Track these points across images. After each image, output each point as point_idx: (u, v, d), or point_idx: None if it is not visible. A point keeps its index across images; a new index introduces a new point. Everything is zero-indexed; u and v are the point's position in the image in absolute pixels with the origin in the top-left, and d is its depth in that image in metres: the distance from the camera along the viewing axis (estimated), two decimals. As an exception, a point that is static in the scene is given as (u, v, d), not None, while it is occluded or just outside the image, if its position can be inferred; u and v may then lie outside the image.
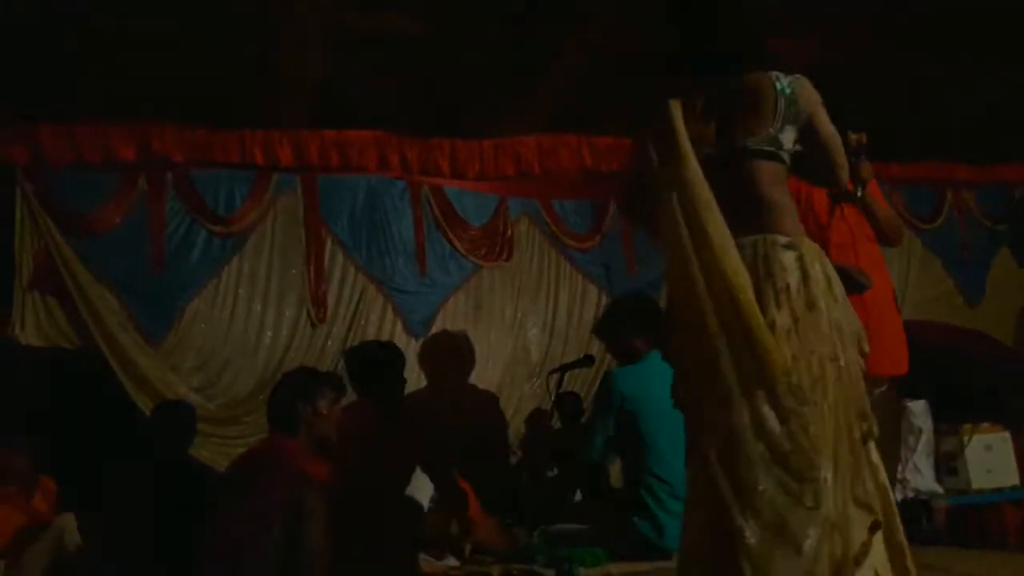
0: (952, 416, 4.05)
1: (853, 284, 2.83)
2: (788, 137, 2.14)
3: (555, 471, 4.44)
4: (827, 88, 2.22)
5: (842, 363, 1.91)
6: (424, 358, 4.79)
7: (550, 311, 5.20)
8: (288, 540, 2.48)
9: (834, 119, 2.26)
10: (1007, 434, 3.97)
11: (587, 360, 4.33)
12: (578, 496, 3.98)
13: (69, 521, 3.17)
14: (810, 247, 2.02)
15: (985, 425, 4.03)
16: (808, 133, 2.19)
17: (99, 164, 4.31)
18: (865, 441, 1.92)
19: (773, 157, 2.12)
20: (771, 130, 2.11)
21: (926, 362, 3.58)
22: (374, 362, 3.49)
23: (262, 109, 4.43)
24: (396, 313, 4.83)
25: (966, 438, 4.01)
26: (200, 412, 4.01)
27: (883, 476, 1.96)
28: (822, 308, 1.93)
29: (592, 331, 4.60)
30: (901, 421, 3.61)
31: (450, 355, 4.84)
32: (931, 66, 4.45)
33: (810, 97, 2.18)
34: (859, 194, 3.16)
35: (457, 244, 4.97)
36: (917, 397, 3.87)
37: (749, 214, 2.03)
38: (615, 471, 4.04)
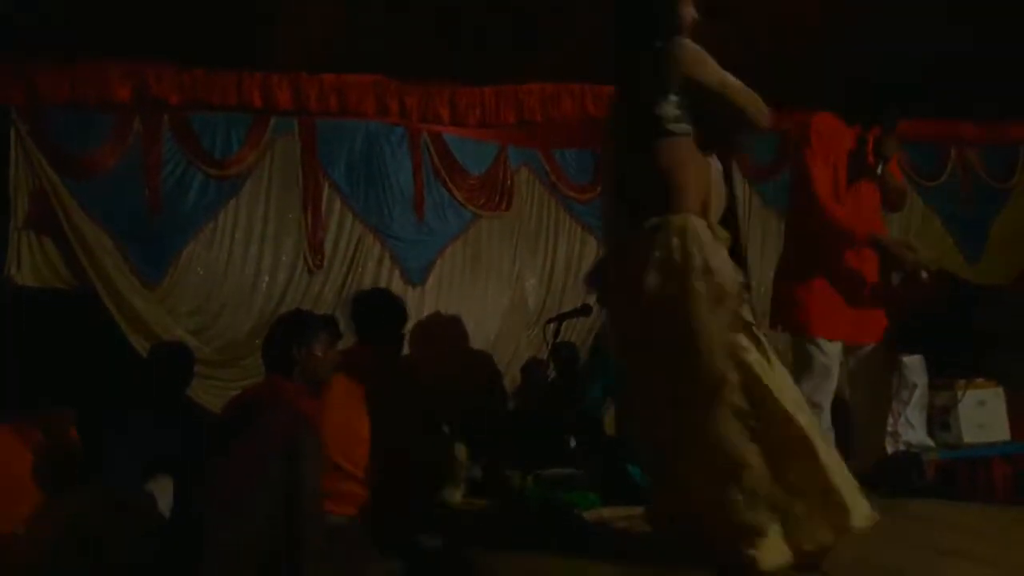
0: (947, 371, 4.06)
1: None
2: (669, 108, 2.30)
3: (550, 418, 4.47)
4: (835, 45, 2.24)
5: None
6: (420, 309, 4.79)
7: (548, 262, 5.19)
8: (286, 480, 2.49)
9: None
10: (1000, 389, 3.99)
11: (584, 310, 4.32)
12: (572, 443, 4.01)
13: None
14: (679, 223, 2.29)
15: (979, 380, 4.05)
16: (695, 93, 2.30)
17: (95, 105, 4.27)
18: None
19: (661, 134, 2.31)
20: (654, 109, 2.31)
21: (922, 317, 3.59)
22: (376, 308, 3.48)
23: (260, 51, 4.36)
24: (393, 261, 4.83)
25: (960, 393, 4.04)
26: (197, 355, 4.00)
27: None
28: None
29: (584, 280, 4.60)
30: (894, 375, 3.61)
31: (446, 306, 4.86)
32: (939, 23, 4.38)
33: (682, 57, 2.30)
34: (879, 171, 3.20)
35: (456, 193, 4.94)
36: (913, 352, 3.87)
37: (647, 197, 2.35)
38: (609, 418, 4.07)
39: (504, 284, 5.08)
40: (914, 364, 3.69)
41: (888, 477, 3.39)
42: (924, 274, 3.17)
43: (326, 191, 4.69)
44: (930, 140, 5.81)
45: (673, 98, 2.32)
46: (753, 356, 2.24)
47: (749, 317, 2.32)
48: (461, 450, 3.62)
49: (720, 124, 2.43)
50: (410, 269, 4.86)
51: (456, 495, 3.62)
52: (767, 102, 2.46)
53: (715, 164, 2.53)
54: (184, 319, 4.36)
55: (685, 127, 2.35)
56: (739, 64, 2.41)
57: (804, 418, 2.22)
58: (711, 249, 2.31)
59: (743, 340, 2.25)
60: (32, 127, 4.18)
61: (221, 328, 4.43)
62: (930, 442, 3.89)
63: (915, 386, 3.74)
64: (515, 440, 4.11)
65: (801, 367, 3.44)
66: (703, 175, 2.40)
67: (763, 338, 2.30)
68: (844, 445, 3.55)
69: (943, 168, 5.92)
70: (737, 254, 5.37)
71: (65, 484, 2.82)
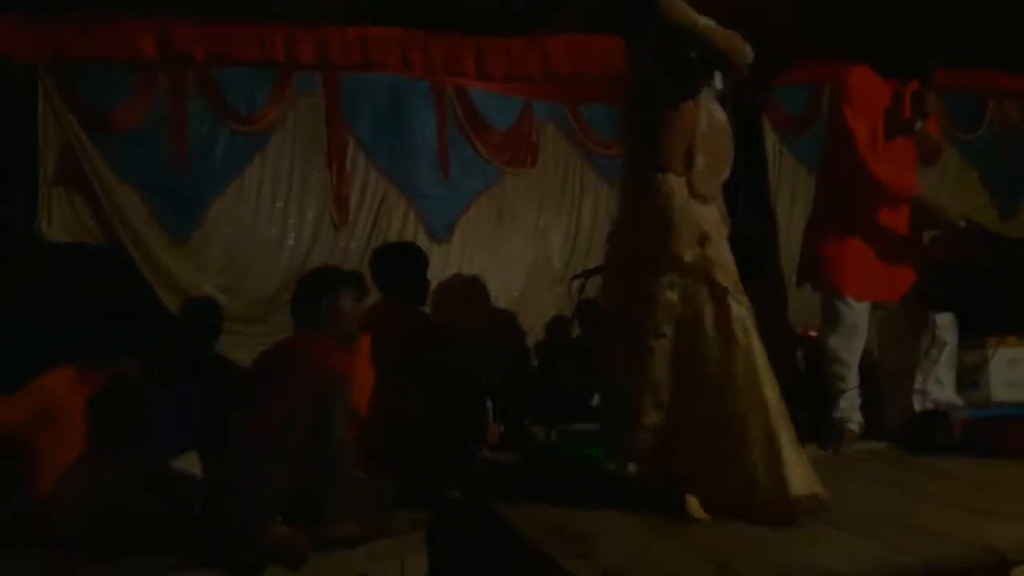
0: (979, 330, 4.01)
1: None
2: (650, 66, 2.42)
3: (574, 375, 4.48)
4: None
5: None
6: (445, 266, 4.79)
7: (574, 219, 5.16)
8: (314, 434, 2.52)
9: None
10: (1033, 347, 3.93)
11: (610, 267, 4.30)
12: (595, 400, 4.02)
13: None
14: (648, 184, 2.42)
15: (1011, 339, 3.99)
16: (673, 39, 2.38)
17: (120, 61, 4.26)
18: None
19: (646, 92, 2.44)
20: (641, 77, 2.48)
21: (955, 275, 3.54)
22: (398, 261, 3.48)
23: (284, 4, 4.33)
24: (418, 218, 4.82)
25: (990, 352, 3.98)
26: (226, 311, 4.05)
27: None
28: None
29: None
30: (925, 333, 3.57)
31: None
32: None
33: (657, 5, 2.37)
34: (917, 126, 3.14)
35: (481, 149, 4.90)
36: (944, 310, 3.82)
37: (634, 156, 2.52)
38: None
39: (529, 241, 5.06)
40: (945, 322, 3.64)
41: (916, 435, 3.37)
42: (962, 224, 3.15)
43: (350, 147, 4.68)
44: (968, 91, 5.66)
45: (649, 59, 2.42)
46: (708, 322, 2.33)
47: (725, 283, 2.37)
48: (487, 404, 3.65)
49: (701, 68, 2.42)
50: (434, 226, 4.85)
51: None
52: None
53: (718, 115, 2.49)
54: (212, 275, 4.40)
55: (668, 83, 2.42)
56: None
57: (767, 390, 2.31)
58: (679, 211, 2.35)
59: (705, 308, 2.34)
60: (58, 83, 4.20)
61: (249, 284, 4.47)
62: (959, 400, 3.85)
63: (945, 344, 3.69)
64: (539, 396, 4.13)
65: (830, 324, 3.42)
66: (685, 131, 2.41)
67: (735, 306, 2.36)
68: (872, 402, 3.55)
69: (980, 120, 5.77)
70: (763, 208, 5.35)
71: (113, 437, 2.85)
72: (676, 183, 2.40)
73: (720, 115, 2.50)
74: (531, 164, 5.03)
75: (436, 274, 4.79)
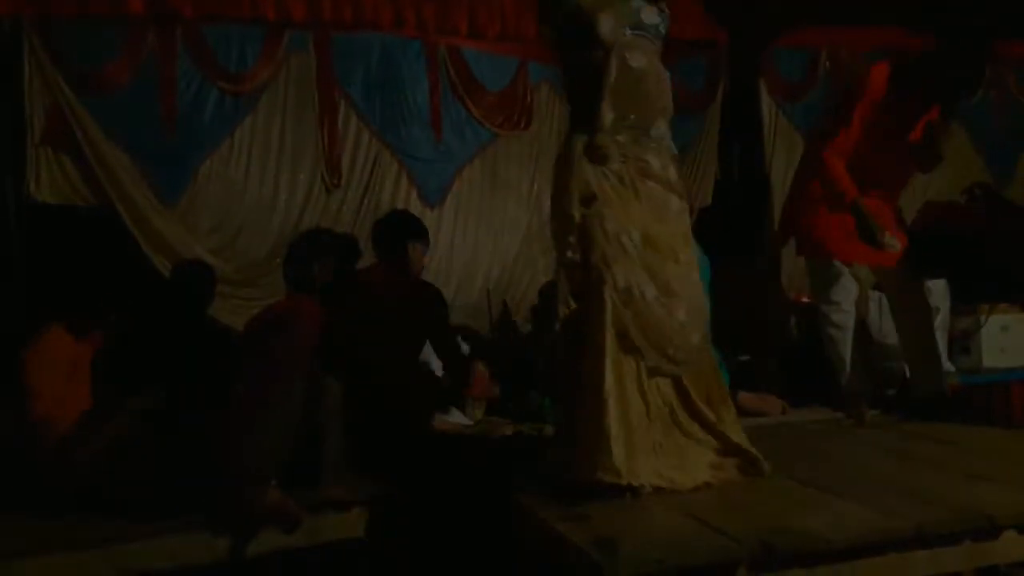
0: (971, 296, 4.03)
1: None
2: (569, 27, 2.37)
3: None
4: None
5: None
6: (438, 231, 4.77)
7: (568, 182, 5.11)
8: (307, 398, 2.52)
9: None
10: (1024, 315, 3.95)
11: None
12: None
13: None
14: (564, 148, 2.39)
15: (1003, 306, 4.01)
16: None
17: (107, 17, 4.18)
18: None
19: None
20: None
21: (947, 242, 3.53)
22: (391, 226, 3.46)
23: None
24: (411, 181, 4.78)
25: (983, 318, 4.00)
26: (218, 274, 4.02)
27: None
28: None
29: None
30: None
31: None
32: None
33: None
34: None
35: (473, 110, 4.85)
36: (936, 277, 3.82)
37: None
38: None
39: (523, 206, 5.03)
40: (937, 288, 3.65)
41: (907, 400, 3.39)
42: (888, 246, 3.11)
43: (342, 108, 4.62)
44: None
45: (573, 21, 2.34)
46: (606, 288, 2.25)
47: (603, 247, 2.27)
48: (482, 369, 3.65)
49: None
50: (427, 190, 4.81)
51: (478, 413, 3.67)
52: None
53: (635, 63, 2.35)
54: (204, 238, 4.37)
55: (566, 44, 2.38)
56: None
57: (612, 357, 2.22)
58: (570, 169, 2.30)
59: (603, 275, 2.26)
60: (45, 42, 4.11)
61: (240, 247, 4.44)
62: (951, 367, 3.88)
63: (937, 310, 3.71)
64: (533, 362, 4.13)
65: (823, 282, 3.43)
66: (590, 87, 2.33)
67: (602, 272, 2.26)
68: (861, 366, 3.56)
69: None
70: (757, 172, 5.32)
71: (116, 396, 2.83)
72: (578, 141, 2.34)
73: (638, 63, 2.34)
74: (525, 126, 4.98)
75: (430, 239, 4.77)
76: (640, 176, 2.36)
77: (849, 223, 3.17)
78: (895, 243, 3.07)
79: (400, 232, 3.40)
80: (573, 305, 2.31)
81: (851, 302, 3.44)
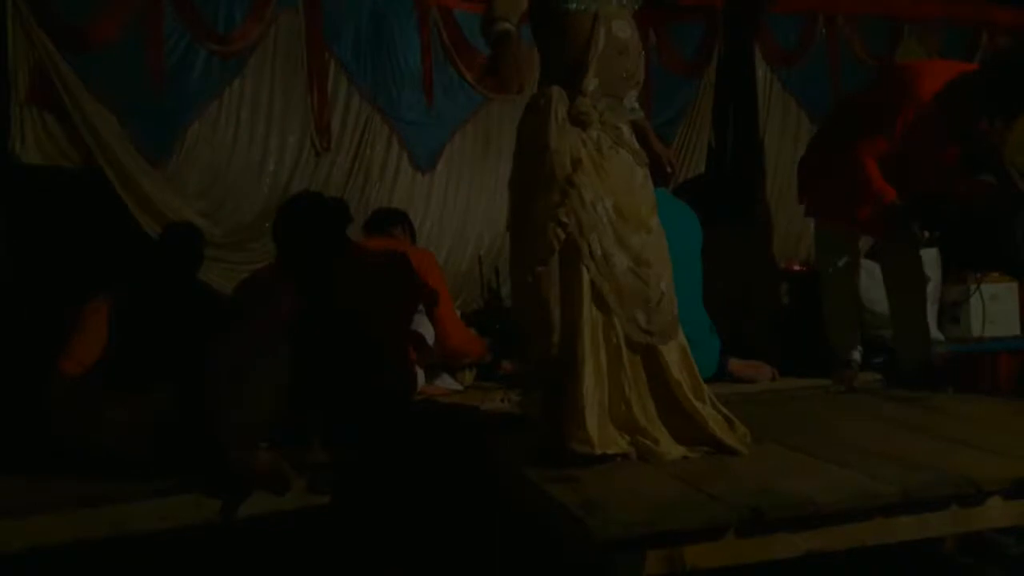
0: (962, 266, 4.04)
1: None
2: None
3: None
4: None
5: None
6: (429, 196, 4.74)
7: (561, 147, 5.07)
8: (293, 361, 2.51)
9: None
10: (1014, 285, 3.97)
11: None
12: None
13: None
14: (535, 99, 2.37)
15: (993, 275, 4.02)
16: None
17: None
18: None
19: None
20: None
21: (940, 211, 3.53)
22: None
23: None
24: (402, 145, 4.72)
25: (972, 287, 4.02)
26: (207, 238, 3.98)
27: None
28: None
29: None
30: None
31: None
32: None
33: None
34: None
35: (466, 74, 4.78)
36: (928, 246, 3.83)
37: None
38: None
39: (515, 171, 4.98)
40: (928, 258, 3.66)
41: (897, 368, 3.42)
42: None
43: (332, 70, 4.53)
44: (961, 24, 5.57)
45: None
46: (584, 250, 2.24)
47: (581, 215, 2.25)
48: (474, 335, 3.65)
49: None
50: (418, 155, 4.76)
51: (468, 377, 3.68)
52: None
53: (620, 34, 2.35)
54: (192, 201, 4.31)
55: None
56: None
57: (588, 326, 2.21)
58: (556, 130, 2.27)
59: (584, 233, 2.24)
60: (29, -1, 4.02)
61: (229, 210, 4.39)
62: (940, 336, 3.90)
63: (928, 279, 3.71)
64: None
65: (831, 248, 3.45)
66: (578, 46, 2.31)
67: (581, 242, 2.24)
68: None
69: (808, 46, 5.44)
70: (752, 139, 5.29)
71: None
72: (559, 99, 2.30)
73: (623, 34, 2.35)
74: (518, 90, 4.91)
75: (421, 205, 4.76)
76: (615, 144, 2.36)
77: (863, 194, 3.17)
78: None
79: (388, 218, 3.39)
80: (546, 264, 2.26)
81: (855, 271, 3.47)
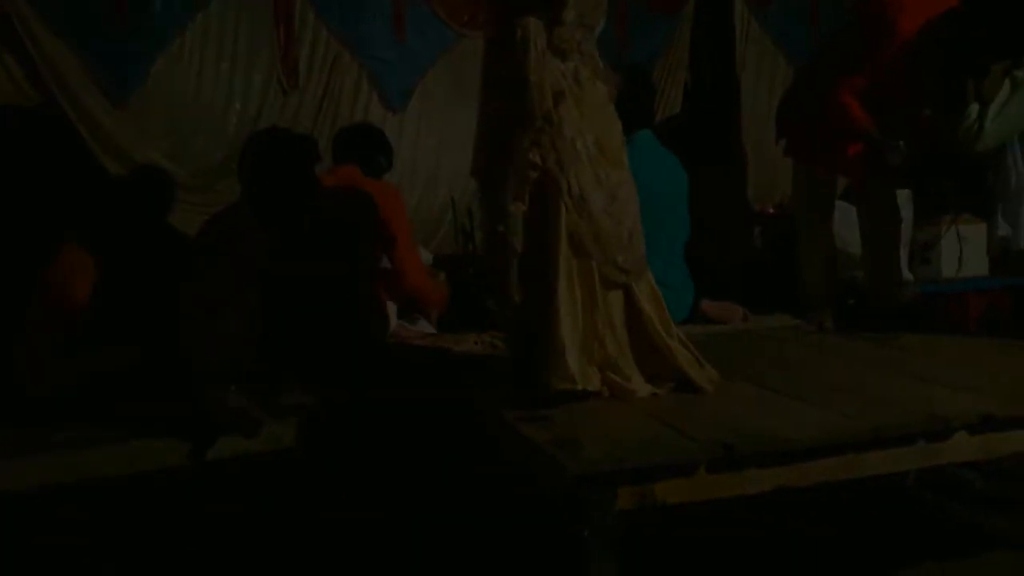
0: (934, 206, 4.06)
1: None
2: None
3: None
4: None
5: None
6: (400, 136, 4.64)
7: (536, 87, 4.99)
8: (262, 303, 2.48)
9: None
10: (984, 226, 3.98)
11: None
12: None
13: None
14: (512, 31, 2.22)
15: (965, 216, 4.04)
16: None
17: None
18: None
19: None
20: None
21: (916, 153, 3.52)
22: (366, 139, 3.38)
23: None
24: (371, 84, 4.62)
25: (943, 228, 4.04)
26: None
27: None
28: None
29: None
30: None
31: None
32: None
33: None
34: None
35: (437, 8, 4.65)
36: (901, 187, 3.84)
37: None
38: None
39: (489, 111, 4.89)
40: (901, 199, 3.66)
41: (869, 309, 3.44)
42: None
43: (299, 5, 4.40)
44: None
45: None
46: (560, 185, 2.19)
47: (563, 151, 2.20)
48: (441, 277, 3.62)
49: None
50: (389, 93, 4.66)
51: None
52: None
53: None
54: (156, 140, 4.20)
55: None
56: None
57: (565, 265, 2.19)
58: (535, 63, 2.18)
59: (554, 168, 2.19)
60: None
61: (195, 151, 4.29)
62: (910, 276, 3.93)
63: (901, 220, 3.72)
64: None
65: (809, 190, 3.44)
66: None
67: (562, 180, 2.20)
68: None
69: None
70: (728, 79, 5.24)
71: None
72: (536, 31, 2.20)
73: None
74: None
75: (393, 145, 4.65)
76: (592, 76, 2.30)
77: (844, 133, 3.14)
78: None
79: (362, 142, 3.31)
80: (524, 207, 2.21)
81: (830, 212, 3.47)
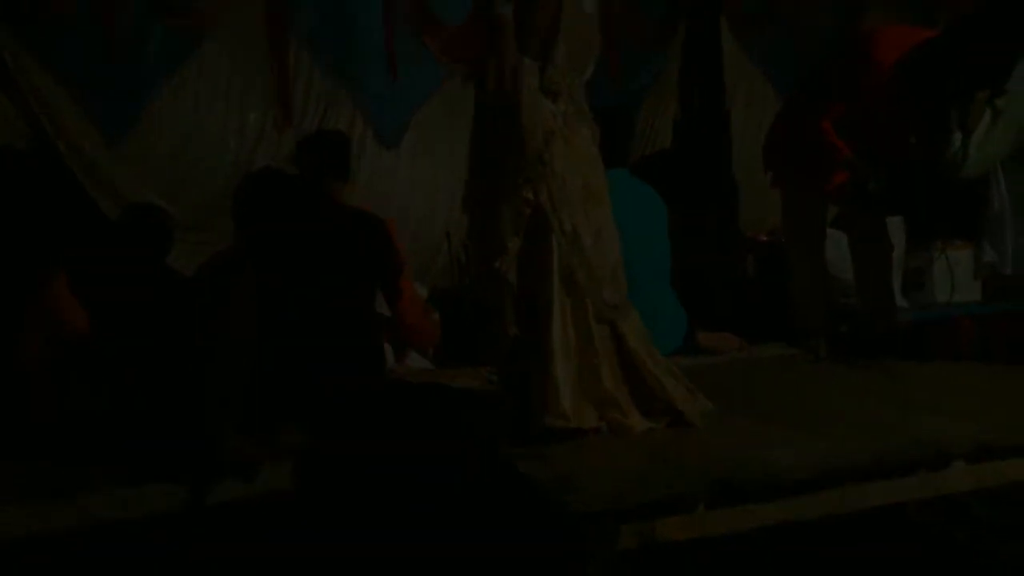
0: (925, 232, 4.09)
1: None
2: None
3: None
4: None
5: None
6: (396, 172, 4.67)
7: (530, 122, 5.02)
8: (260, 343, 2.48)
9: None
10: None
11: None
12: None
13: None
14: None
15: (957, 242, 4.07)
16: None
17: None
18: None
19: None
20: None
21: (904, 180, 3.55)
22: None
23: None
24: (366, 120, 4.64)
25: (935, 254, 4.06)
26: (167, 217, 3.89)
27: None
28: None
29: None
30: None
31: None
32: None
33: None
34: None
35: (431, 45, 4.70)
36: (892, 214, 3.87)
37: None
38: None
39: (482, 146, 4.93)
40: (892, 225, 3.69)
41: (862, 336, 3.46)
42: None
43: (293, 42, 4.44)
44: None
45: None
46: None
47: (554, 191, 2.23)
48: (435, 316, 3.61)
49: None
50: (383, 129, 4.69)
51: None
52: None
53: (596, 18, 2.39)
54: (152, 179, 4.21)
55: None
56: None
57: (558, 302, 2.21)
58: (527, 102, 2.22)
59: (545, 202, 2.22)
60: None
61: (190, 189, 4.30)
62: (904, 303, 3.95)
63: (892, 246, 3.75)
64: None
65: (800, 217, 3.46)
66: (547, 14, 2.27)
67: (553, 219, 2.22)
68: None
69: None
70: (718, 112, 5.28)
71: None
72: (529, 70, 2.26)
73: (591, 8, 2.36)
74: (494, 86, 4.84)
75: (386, 182, 4.68)
76: (578, 117, 2.34)
77: (827, 161, 3.17)
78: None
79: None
80: (520, 243, 2.24)
81: (822, 240, 3.49)
